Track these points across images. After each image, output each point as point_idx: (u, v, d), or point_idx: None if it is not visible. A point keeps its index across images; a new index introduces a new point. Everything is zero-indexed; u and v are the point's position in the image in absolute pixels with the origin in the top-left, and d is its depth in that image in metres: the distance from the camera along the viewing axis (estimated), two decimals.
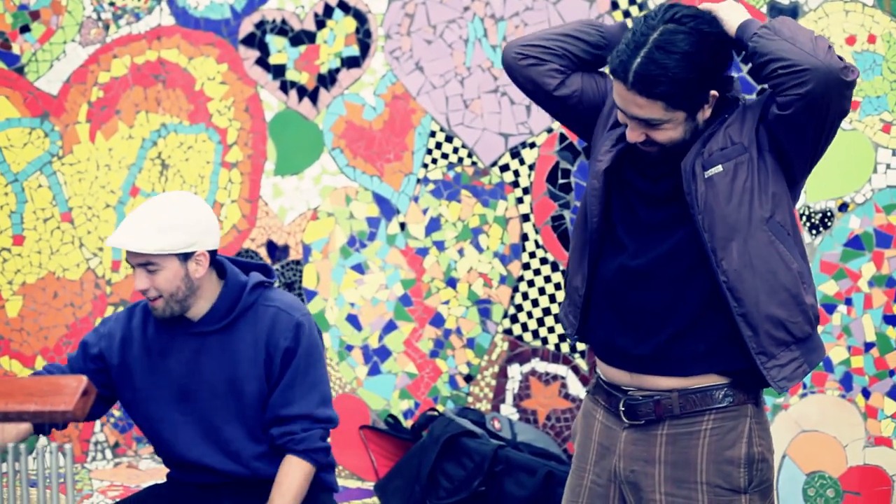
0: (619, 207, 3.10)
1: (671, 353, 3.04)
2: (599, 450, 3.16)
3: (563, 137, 4.91)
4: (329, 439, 3.70)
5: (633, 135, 3.00)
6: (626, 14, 4.79)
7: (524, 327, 5.01)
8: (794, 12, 4.64)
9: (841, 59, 2.91)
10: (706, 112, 3.01)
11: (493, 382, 5.06)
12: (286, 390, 3.61)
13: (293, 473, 3.60)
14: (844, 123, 4.58)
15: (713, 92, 2.98)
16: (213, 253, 3.61)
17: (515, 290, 5.03)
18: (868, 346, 4.56)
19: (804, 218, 4.60)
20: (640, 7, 4.77)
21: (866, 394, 4.59)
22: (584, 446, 3.21)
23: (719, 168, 2.98)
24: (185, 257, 3.54)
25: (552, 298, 4.95)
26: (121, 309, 5.34)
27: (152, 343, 3.65)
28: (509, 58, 3.19)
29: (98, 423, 5.35)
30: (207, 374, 3.60)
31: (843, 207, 4.59)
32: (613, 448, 3.13)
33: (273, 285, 3.71)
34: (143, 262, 3.53)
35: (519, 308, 5.02)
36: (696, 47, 2.93)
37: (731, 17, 3.01)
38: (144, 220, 3.52)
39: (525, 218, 4.99)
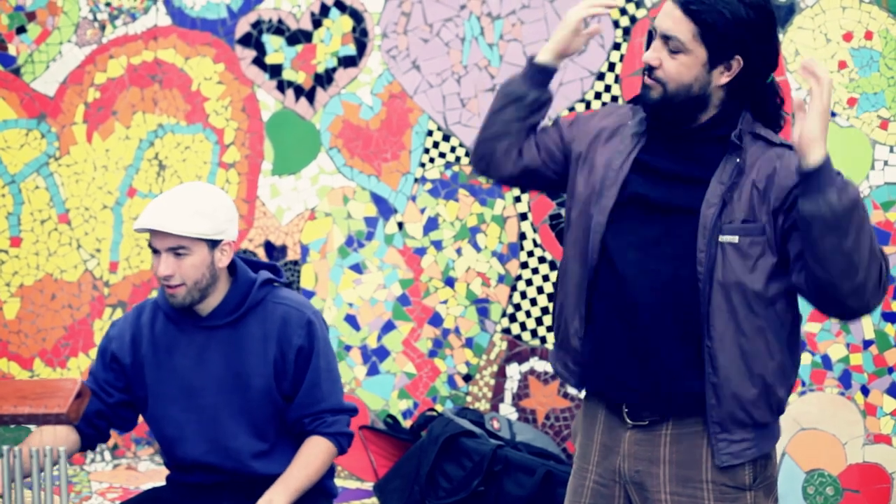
0: (620, 236, 3.07)
1: (670, 390, 3.03)
2: (602, 450, 3.15)
3: None
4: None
5: (651, 55, 2.99)
6: (623, 12, 4.79)
7: (523, 326, 5.01)
8: (791, 9, 4.63)
9: (883, 287, 2.91)
10: (723, 78, 2.98)
11: (492, 382, 5.06)
12: (313, 389, 3.64)
13: (316, 449, 3.63)
14: (841, 120, 4.57)
15: (738, 58, 2.96)
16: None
17: (514, 289, 5.02)
18: (867, 344, 4.56)
19: None
20: (637, 5, 4.77)
21: (865, 391, 4.58)
22: (585, 447, 3.20)
23: (735, 239, 2.96)
24: (214, 245, 3.56)
25: (551, 297, 4.94)
26: (118, 310, 5.34)
27: (160, 339, 3.66)
28: (477, 172, 3.30)
29: None
30: (213, 368, 3.60)
31: None
32: (617, 448, 3.12)
33: (282, 284, 3.72)
34: (174, 246, 3.53)
35: (517, 307, 5.01)
36: (753, 4, 2.94)
37: (817, 127, 2.88)
38: (178, 203, 3.53)
39: (523, 217, 4.99)
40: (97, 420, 3.66)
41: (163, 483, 3.83)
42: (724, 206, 2.97)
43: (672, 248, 3.00)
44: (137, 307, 3.75)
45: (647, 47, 3.16)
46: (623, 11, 4.79)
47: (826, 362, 4.58)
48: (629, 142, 3.10)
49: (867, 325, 4.56)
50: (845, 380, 4.57)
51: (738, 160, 2.99)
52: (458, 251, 5.07)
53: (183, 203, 3.54)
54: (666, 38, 2.98)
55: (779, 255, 2.97)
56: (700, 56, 2.96)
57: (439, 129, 5.07)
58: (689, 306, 2.99)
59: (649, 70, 3.02)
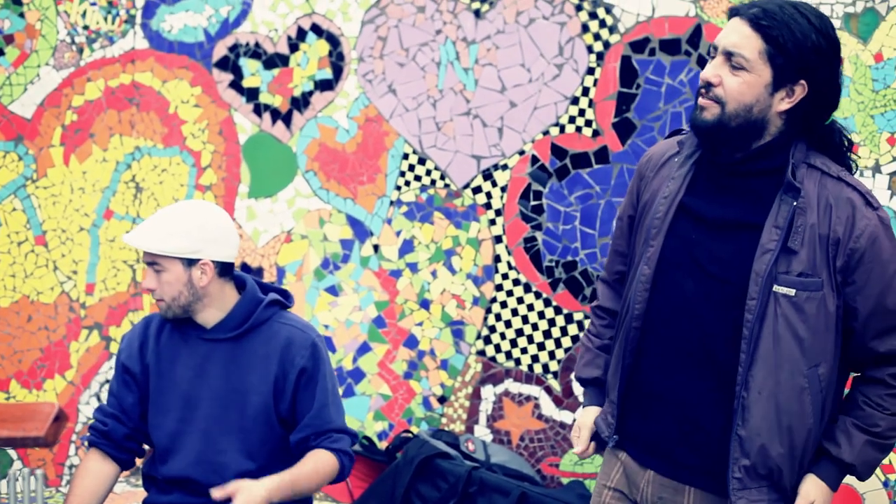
0: (666, 287, 3.02)
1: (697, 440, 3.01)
2: (625, 471, 3.14)
3: (535, 159, 4.93)
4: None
5: (710, 71, 2.87)
6: (597, 37, 4.82)
7: (497, 348, 5.03)
8: None
9: None
10: (784, 103, 2.89)
11: (467, 403, 5.07)
12: (322, 410, 3.66)
13: (318, 458, 3.64)
14: None
15: (803, 83, 2.86)
16: (224, 265, 3.65)
17: (488, 311, 5.04)
18: None
19: None
20: (611, 30, 4.80)
21: None
22: (609, 465, 3.18)
23: (791, 292, 2.88)
24: (190, 263, 3.59)
25: (525, 319, 4.97)
26: (94, 332, 5.35)
27: (164, 350, 3.70)
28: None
29: (72, 445, 5.34)
30: (212, 382, 3.63)
31: None
32: (638, 481, 3.11)
33: (289, 308, 3.75)
34: (150, 262, 3.62)
35: (492, 329, 5.03)
36: (823, 31, 2.86)
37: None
38: (158, 221, 3.61)
39: (498, 240, 5.01)
40: (127, 443, 3.73)
41: None
42: (780, 252, 2.88)
43: (720, 295, 2.92)
44: (147, 317, 3.80)
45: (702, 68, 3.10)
46: (597, 37, 4.83)
47: None
48: (674, 184, 3.02)
49: None
50: None
51: (794, 202, 2.89)
52: (434, 273, 5.09)
53: (162, 221, 3.61)
54: (729, 55, 2.87)
55: (835, 313, 2.91)
56: (764, 76, 2.86)
57: (415, 152, 5.09)
58: (730, 351, 2.92)
59: (707, 88, 2.89)
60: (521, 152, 4.97)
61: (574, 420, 3.28)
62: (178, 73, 5.31)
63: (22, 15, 5.38)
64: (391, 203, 5.12)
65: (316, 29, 5.19)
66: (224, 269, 3.67)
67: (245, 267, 5.26)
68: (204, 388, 3.64)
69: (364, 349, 5.15)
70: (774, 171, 2.93)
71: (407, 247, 5.11)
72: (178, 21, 5.31)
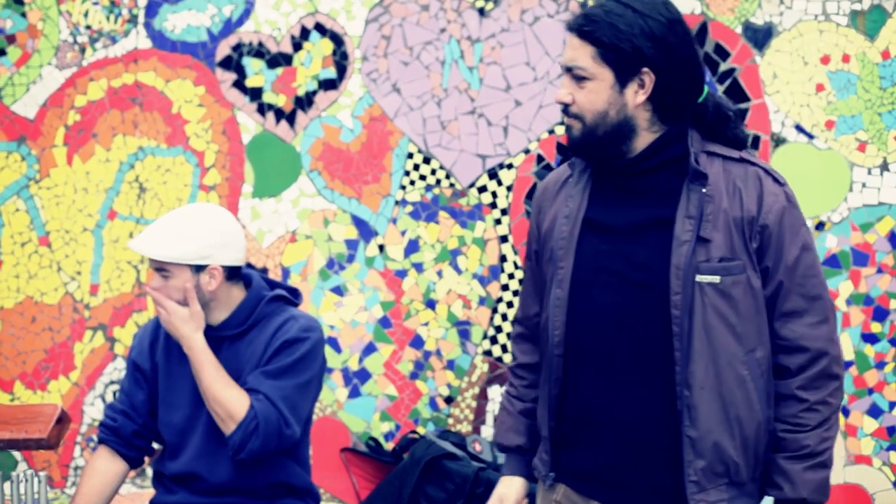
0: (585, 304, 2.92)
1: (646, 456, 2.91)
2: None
3: (540, 158, 4.92)
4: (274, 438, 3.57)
5: (562, 92, 2.87)
6: None
7: (504, 348, 5.01)
8: (768, 32, 4.66)
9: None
10: (639, 96, 2.85)
11: (474, 404, 5.06)
12: (266, 373, 3.58)
13: (240, 391, 3.54)
14: (819, 143, 4.59)
15: (647, 71, 2.83)
16: (232, 268, 3.62)
17: (494, 311, 5.02)
18: (847, 365, 4.57)
19: None
20: None
21: (846, 412, 4.60)
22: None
23: (716, 279, 2.82)
24: (198, 269, 3.57)
25: None
26: (99, 333, 5.33)
27: (173, 347, 3.69)
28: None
29: (77, 447, 5.32)
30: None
31: (820, 226, 4.61)
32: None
33: (297, 305, 3.72)
34: (158, 267, 3.59)
35: (498, 329, 5.02)
36: (651, 15, 2.83)
37: None
38: (164, 227, 3.58)
39: (503, 239, 5.00)
40: (136, 440, 3.72)
41: None
42: (696, 242, 2.82)
43: (644, 300, 2.85)
44: (156, 317, 3.77)
45: None
46: None
47: None
48: (574, 201, 2.95)
49: (847, 347, 4.58)
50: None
51: (702, 190, 2.85)
52: (439, 273, 5.07)
53: (169, 226, 3.58)
54: (570, 70, 2.86)
55: (761, 294, 2.86)
56: (606, 78, 2.84)
57: (420, 151, 5.08)
58: (663, 354, 2.84)
59: (565, 110, 2.89)
60: (527, 151, 4.95)
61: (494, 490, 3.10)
62: (181, 72, 5.30)
63: (24, 14, 5.37)
64: (396, 202, 5.10)
65: (319, 28, 5.17)
66: (232, 273, 3.65)
67: (249, 267, 5.24)
68: None
69: (370, 349, 5.14)
70: (674, 161, 2.88)
71: (412, 246, 5.10)
72: (180, 20, 5.29)
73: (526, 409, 3.11)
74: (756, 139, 4.66)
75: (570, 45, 2.86)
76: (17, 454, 5.31)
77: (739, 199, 2.85)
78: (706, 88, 2.92)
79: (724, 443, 2.84)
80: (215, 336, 3.65)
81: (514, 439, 3.12)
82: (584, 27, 2.83)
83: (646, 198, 2.89)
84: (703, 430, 2.83)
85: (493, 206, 5.00)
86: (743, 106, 4.69)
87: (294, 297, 3.75)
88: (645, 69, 2.83)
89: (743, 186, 2.86)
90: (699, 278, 2.81)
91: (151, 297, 3.58)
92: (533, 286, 3.10)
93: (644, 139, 2.88)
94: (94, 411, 5.33)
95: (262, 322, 3.66)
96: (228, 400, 3.53)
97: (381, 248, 5.13)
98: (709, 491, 2.85)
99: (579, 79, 2.85)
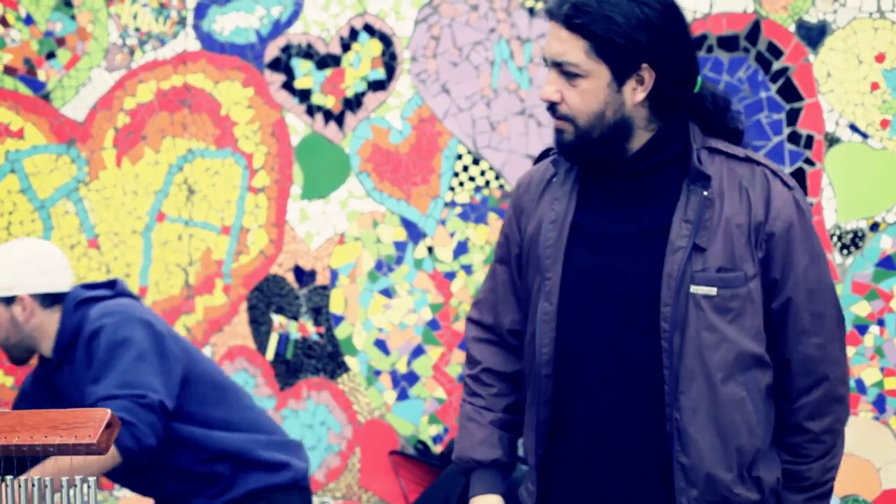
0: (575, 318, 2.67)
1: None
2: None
3: None
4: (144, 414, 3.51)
5: (549, 89, 2.60)
6: None
7: None
8: (822, 30, 4.61)
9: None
10: (637, 94, 2.59)
11: None
12: (93, 380, 3.55)
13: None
14: (874, 142, 4.54)
15: (647, 66, 2.57)
16: (47, 295, 3.60)
17: None
18: None
19: (834, 238, 4.55)
20: None
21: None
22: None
23: (712, 291, 2.57)
24: (8, 302, 3.55)
25: None
26: None
27: (28, 392, 3.78)
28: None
29: None
30: (69, 406, 3.59)
31: (875, 227, 4.55)
32: None
33: (106, 298, 3.67)
34: None
35: None
36: (647, 2, 2.56)
37: None
38: None
39: None
40: None
41: None
42: (693, 249, 2.58)
43: (636, 314, 2.61)
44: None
45: None
46: None
47: (860, 387, 4.54)
48: (560, 204, 2.68)
49: None
50: (880, 404, 4.54)
51: (703, 192, 2.60)
52: None
53: None
54: (559, 66, 2.59)
55: (763, 308, 2.62)
56: (602, 75, 2.57)
57: (469, 152, 5.06)
58: (656, 373, 2.60)
59: (552, 109, 2.62)
60: None
61: None
62: (229, 74, 5.30)
63: (73, 17, 5.38)
64: (445, 204, 5.09)
65: (368, 29, 5.16)
66: (50, 299, 3.62)
67: (298, 269, 5.23)
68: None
69: (418, 352, 5.12)
70: (675, 160, 2.63)
71: (461, 248, 5.08)
72: (229, 22, 5.30)
73: (498, 420, 2.83)
74: (809, 138, 4.62)
75: (556, 37, 2.58)
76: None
77: (747, 201, 2.61)
78: (699, 78, 2.68)
79: (719, 473, 2.60)
80: (52, 366, 3.64)
81: (489, 453, 2.83)
82: (574, 18, 2.55)
83: (641, 202, 2.66)
84: (694, 458, 2.59)
85: None
86: (796, 105, 4.65)
87: (112, 288, 3.70)
88: (644, 64, 2.58)
89: (750, 187, 2.61)
90: (693, 289, 2.57)
91: None
92: (510, 293, 2.81)
93: (641, 138, 2.64)
94: None
95: (78, 335, 3.64)
96: (87, 459, 3.53)
97: (430, 249, 5.11)
98: None
99: (571, 76, 2.58)
